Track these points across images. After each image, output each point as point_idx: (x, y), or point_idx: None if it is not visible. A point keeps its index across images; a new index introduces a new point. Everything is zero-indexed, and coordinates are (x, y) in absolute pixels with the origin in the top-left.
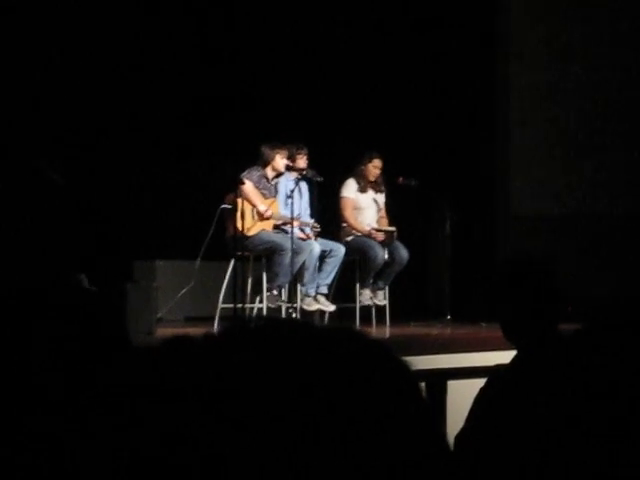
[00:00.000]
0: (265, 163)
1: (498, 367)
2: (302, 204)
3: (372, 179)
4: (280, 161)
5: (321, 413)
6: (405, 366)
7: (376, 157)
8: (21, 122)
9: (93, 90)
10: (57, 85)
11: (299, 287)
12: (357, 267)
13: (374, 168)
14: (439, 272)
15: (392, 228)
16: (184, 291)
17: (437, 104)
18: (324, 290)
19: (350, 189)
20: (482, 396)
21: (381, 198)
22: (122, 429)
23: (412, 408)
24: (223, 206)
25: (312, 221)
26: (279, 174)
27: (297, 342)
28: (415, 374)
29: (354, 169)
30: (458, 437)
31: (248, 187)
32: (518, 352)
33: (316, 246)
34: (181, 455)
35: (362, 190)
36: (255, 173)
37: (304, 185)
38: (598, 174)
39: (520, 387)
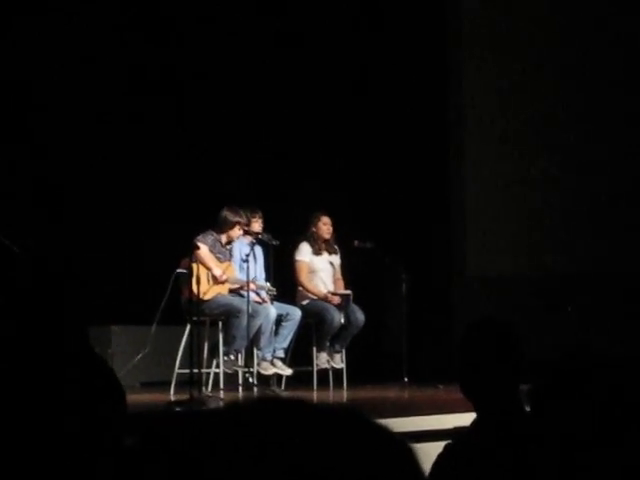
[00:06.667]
0: (221, 228)
1: (457, 430)
2: (257, 268)
3: (326, 237)
4: (237, 232)
5: None
6: (409, 450)
7: (323, 214)
8: None
9: (38, 152)
10: None
11: (255, 351)
12: (313, 330)
13: (324, 225)
14: (395, 334)
15: (348, 291)
16: (140, 356)
17: (391, 166)
18: (281, 354)
19: (304, 252)
20: (442, 462)
21: (336, 260)
22: None
23: None
24: (178, 270)
25: (268, 285)
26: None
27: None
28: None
29: (305, 232)
30: None
31: (203, 251)
32: (477, 413)
33: (272, 310)
34: None
35: (316, 252)
36: (209, 237)
37: (259, 249)
38: (554, 235)
39: (480, 453)
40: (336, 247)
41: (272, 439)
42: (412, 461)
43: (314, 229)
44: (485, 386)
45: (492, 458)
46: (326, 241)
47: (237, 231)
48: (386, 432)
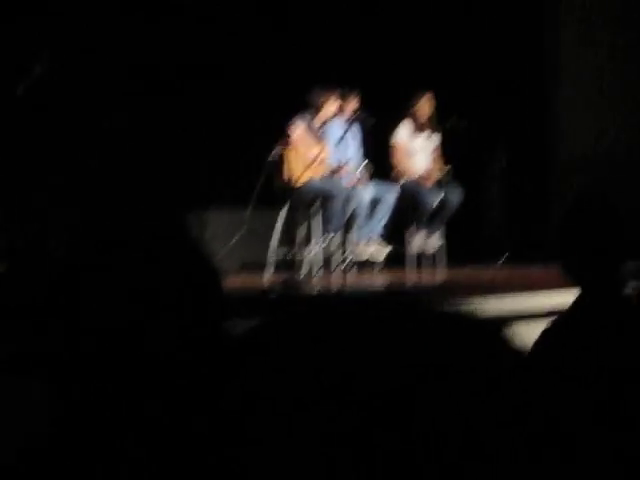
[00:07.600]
0: (315, 109)
1: (556, 310)
2: (353, 148)
3: (428, 115)
4: (331, 109)
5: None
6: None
7: (426, 93)
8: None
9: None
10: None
11: (350, 235)
12: (410, 212)
13: (426, 103)
14: (492, 214)
15: (446, 167)
16: (236, 238)
17: (487, 45)
18: (375, 237)
19: (403, 133)
20: (542, 342)
21: (435, 139)
22: None
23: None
24: (273, 153)
25: (364, 164)
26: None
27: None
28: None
29: (406, 111)
30: None
31: (298, 134)
32: (579, 293)
33: (366, 193)
34: None
35: (416, 131)
36: (304, 120)
37: (355, 128)
38: None
39: (582, 333)
40: (436, 126)
41: (390, 338)
42: (508, 347)
43: (415, 107)
44: (587, 265)
45: (594, 339)
46: (427, 120)
47: (330, 108)
48: (489, 329)
